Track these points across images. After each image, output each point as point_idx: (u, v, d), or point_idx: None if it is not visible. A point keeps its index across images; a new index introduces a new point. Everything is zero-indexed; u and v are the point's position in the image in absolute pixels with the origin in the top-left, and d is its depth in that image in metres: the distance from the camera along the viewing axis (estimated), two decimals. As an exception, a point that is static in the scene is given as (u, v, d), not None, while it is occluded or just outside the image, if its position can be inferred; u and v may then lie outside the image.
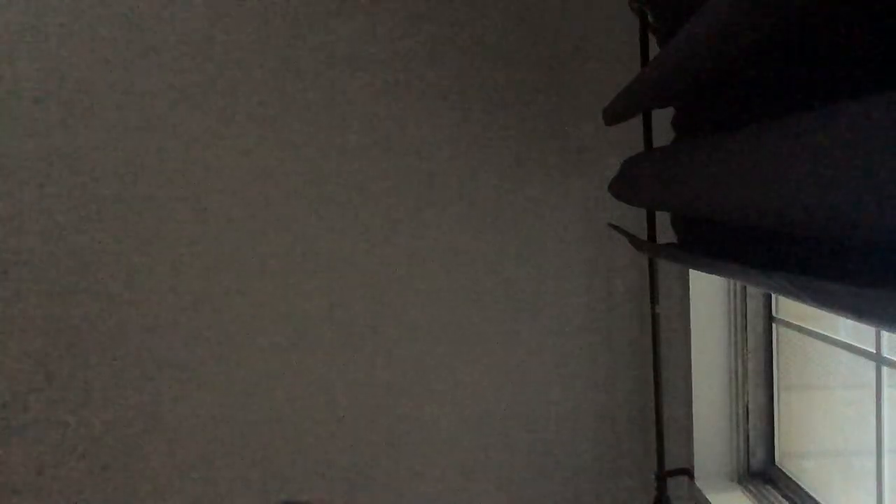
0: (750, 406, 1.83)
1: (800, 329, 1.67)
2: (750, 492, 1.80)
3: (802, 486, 1.67)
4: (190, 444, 1.90)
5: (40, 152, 1.80)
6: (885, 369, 1.33)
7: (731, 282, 1.83)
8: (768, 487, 1.79)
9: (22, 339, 1.83)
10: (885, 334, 1.33)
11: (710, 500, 1.81)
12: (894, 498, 1.33)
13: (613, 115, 1.58)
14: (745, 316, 1.81)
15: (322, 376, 1.93)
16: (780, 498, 1.72)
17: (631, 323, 2.01)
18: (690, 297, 1.85)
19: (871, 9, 0.64)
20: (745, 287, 1.81)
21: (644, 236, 1.71)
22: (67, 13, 1.78)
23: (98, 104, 1.81)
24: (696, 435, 1.88)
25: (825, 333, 1.54)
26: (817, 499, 1.60)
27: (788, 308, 1.74)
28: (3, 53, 1.77)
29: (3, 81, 1.78)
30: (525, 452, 2.01)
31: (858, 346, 1.41)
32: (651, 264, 1.85)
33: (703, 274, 1.80)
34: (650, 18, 1.56)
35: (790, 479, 1.73)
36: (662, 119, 1.57)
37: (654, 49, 1.63)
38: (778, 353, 1.80)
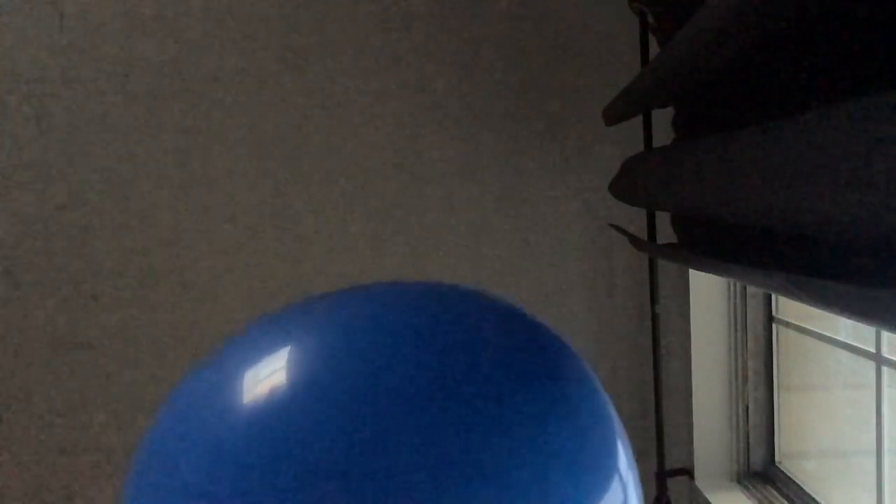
0: (750, 406, 1.83)
1: (800, 329, 1.67)
2: (750, 492, 1.80)
3: (802, 486, 1.67)
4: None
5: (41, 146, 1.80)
6: (885, 369, 1.33)
7: (731, 282, 1.83)
8: (768, 487, 1.79)
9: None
10: (885, 334, 1.33)
11: (710, 500, 1.81)
12: (894, 498, 1.33)
13: (613, 115, 1.59)
14: (745, 316, 1.81)
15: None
16: (780, 498, 1.72)
17: (631, 323, 2.00)
18: (690, 297, 1.85)
19: (871, 9, 0.64)
20: (745, 287, 1.81)
21: (644, 236, 1.72)
22: (67, 13, 1.78)
23: (99, 99, 1.81)
24: (696, 435, 1.88)
25: (825, 333, 1.54)
26: (817, 499, 1.60)
27: (788, 308, 1.74)
28: (4, 53, 1.77)
29: (5, 81, 1.78)
30: (525, 452, 2.01)
31: (858, 346, 1.41)
32: (651, 264, 1.85)
33: (703, 274, 1.80)
34: (650, 18, 1.56)
35: (790, 479, 1.73)
36: (662, 119, 1.57)
37: (654, 49, 1.63)
38: (778, 353, 1.80)
